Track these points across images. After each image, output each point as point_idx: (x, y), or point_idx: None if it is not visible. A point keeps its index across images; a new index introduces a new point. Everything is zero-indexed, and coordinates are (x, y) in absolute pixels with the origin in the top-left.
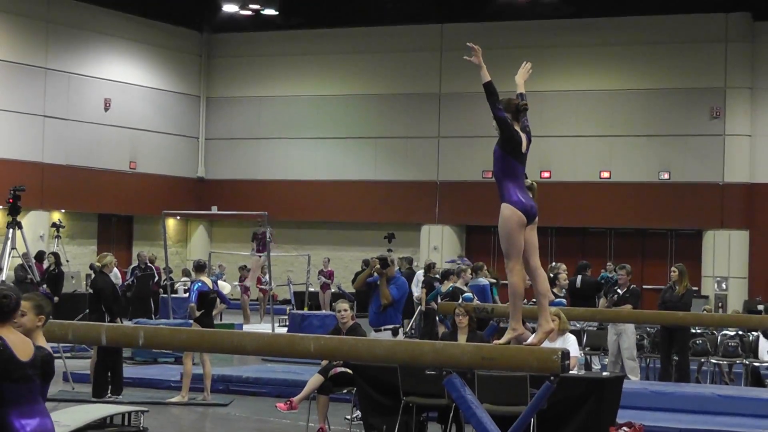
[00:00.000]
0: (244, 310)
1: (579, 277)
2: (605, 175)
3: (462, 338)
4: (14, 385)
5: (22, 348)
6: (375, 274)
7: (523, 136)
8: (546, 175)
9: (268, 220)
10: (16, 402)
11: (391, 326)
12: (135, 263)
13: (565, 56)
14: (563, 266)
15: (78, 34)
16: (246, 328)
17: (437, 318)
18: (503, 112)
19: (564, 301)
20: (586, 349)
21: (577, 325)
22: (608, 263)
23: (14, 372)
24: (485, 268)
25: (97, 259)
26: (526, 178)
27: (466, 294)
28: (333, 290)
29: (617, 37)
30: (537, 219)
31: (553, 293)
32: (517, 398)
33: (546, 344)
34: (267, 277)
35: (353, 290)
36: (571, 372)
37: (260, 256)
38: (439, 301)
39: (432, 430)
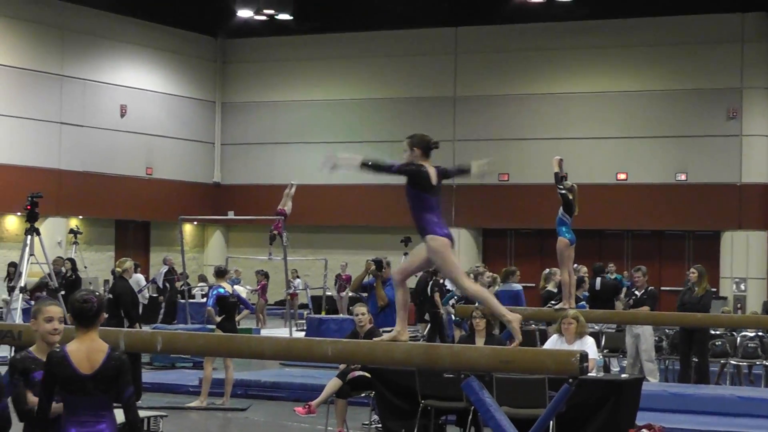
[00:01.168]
0: (259, 315)
1: (598, 280)
2: (622, 176)
3: (479, 341)
4: (71, 396)
5: (88, 360)
6: (371, 276)
7: (432, 170)
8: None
9: (284, 225)
10: (73, 413)
11: (390, 328)
12: (165, 268)
13: (580, 58)
14: (584, 268)
15: (93, 41)
16: (263, 332)
17: (450, 321)
18: (399, 167)
19: (586, 304)
20: (605, 351)
21: (596, 328)
22: (610, 265)
23: (71, 385)
24: (517, 273)
25: (116, 265)
26: (566, 180)
27: None
28: (350, 294)
29: (632, 39)
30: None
31: (576, 297)
32: (536, 401)
33: (565, 347)
34: (297, 281)
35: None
36: (589, 374)
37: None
38: (453, 304)
39: None
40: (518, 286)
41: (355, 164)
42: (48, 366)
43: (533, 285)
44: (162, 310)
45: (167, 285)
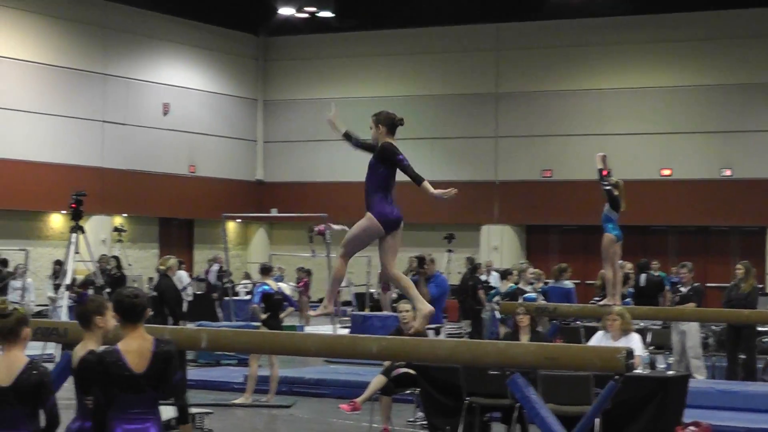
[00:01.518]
0: (303, 312)
1: (643, 276)
2: (666, 172)
3: (524, 338)
4: (124, 394)
5: (139, 359)
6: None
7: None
8: (605, 173)
9: (326, 222)
10: (123, 409)
11: (433, 326)
12: (217, 266)
13: (622, 54)
14: (629, 264)
15: (135, 40)
16: (307, 329)
17: (495, 318)
18: (360, 143)
19: (631, 301)
20: (651, 348)
21: (641, 324)
22: (653, 262)
23: (125, 383)
24: (569, 270)
25: (160, 262)
26: (610, 175)
27: (527, 294)
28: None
29: (675, 34)
30: (402, 225)
31: (622, 293)
32: (581, 398)
33: (610, 343)
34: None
35: None
36: (635, 371)
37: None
38: (497, 300)
39: (495, 431)
40: (570, 284)
41: (339, 131)
42: (103, 366)
43: (578, 282)
44: (219, 308)
45: (219, 283)
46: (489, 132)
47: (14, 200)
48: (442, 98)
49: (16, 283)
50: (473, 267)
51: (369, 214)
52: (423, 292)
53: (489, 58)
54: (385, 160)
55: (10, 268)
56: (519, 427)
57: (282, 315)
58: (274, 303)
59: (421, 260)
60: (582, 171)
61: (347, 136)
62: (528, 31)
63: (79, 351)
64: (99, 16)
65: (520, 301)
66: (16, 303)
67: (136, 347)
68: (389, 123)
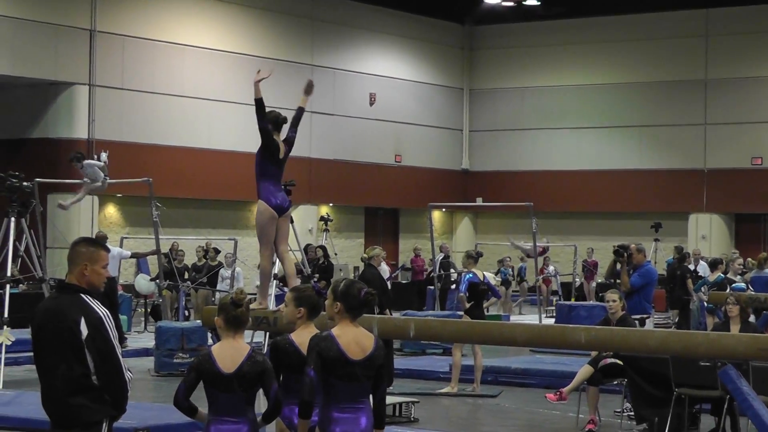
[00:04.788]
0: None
1: None
2: None
3: (734, 328)
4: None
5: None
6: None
7: (282, 145)
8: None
9: (532, 211)
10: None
11: (637, 316)
12: (441, 255)
13: None
14: None
15: (342, 31)
16: (513, 319)
17: (703, 308)
18: (266, 123)
19: None
20: None
21: None
22: None
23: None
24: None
25: (365, 252)
26: None
27: (736, 284)
28: (599, 281)
29: None
30: (290, 211)
31: None
32: None
33: None
34: (550, 267)
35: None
36: None
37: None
38: (705, 290)
39: (705, 423)
40: None
41: (255, 93)
42: (318, 350)
43: None
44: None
45: (442, 271)
46: (698, 119)
47: (223, 190)
48: (649, 85)
49: (225, 273)
50: (681, 256)
51: (260, 201)
52: (624, 281)
53: (698, 44)
54: (262, 148)
55: (221, 258)
56: (729, 419)
57: (486, 304)
58: (479, 292)
59: (620, 249)
60: None
61: (258, 107)
62: (738, 15)
63: (297, 338)
64: (307, 7)
65: (729, 291)
66: (226, 291)
67: (352, 337)
68: (272, 120)
